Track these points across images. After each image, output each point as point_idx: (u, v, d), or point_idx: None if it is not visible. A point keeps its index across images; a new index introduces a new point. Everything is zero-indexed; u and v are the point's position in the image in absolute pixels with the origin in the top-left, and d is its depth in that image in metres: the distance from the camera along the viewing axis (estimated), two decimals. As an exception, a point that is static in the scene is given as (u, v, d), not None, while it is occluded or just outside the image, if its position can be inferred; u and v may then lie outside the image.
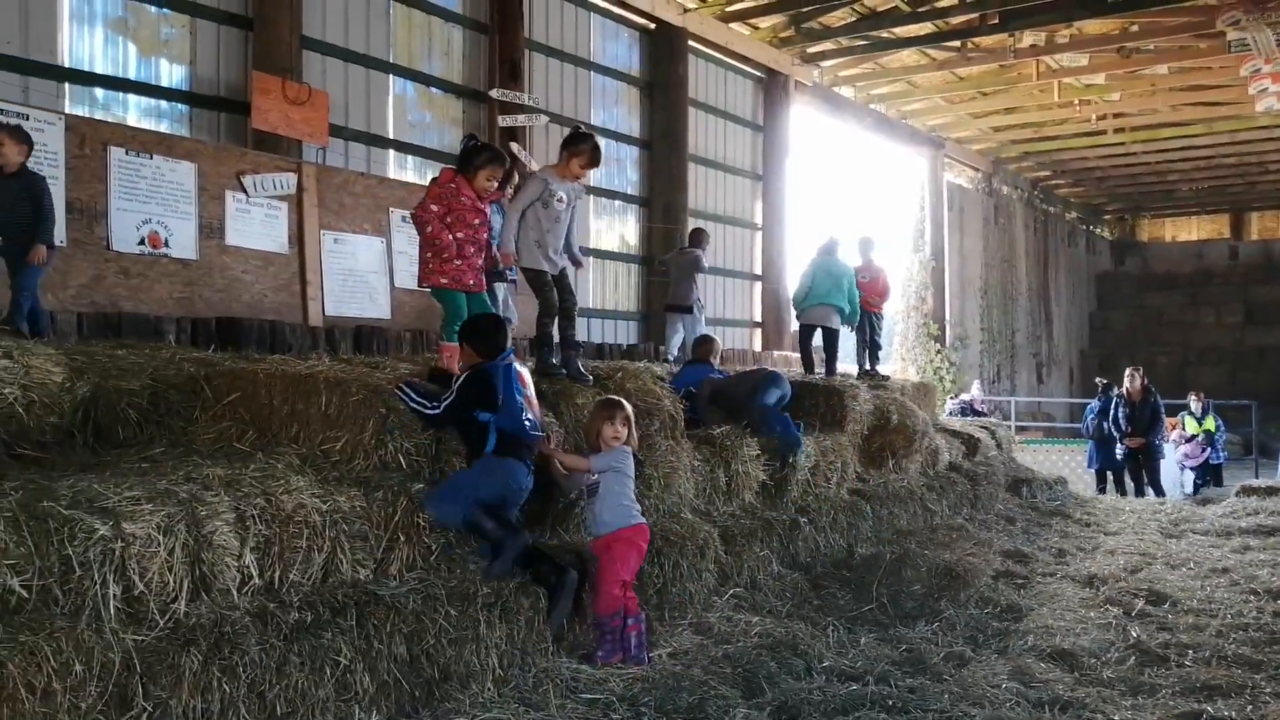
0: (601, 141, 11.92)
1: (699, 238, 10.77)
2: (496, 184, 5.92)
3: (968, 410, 15.28)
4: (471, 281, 5.80)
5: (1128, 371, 13.15)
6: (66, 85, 7.35)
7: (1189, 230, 30.53)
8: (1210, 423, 14.65)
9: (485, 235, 5.91)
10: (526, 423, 4.77)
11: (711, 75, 13.97)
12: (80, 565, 3.25)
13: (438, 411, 4.64)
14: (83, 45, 7.46)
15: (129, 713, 3.18)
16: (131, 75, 7.75)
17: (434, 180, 5.98)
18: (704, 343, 8.05)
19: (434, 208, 5.63)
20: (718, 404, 7.15)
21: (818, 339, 9.70)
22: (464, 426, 4.71)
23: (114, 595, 3.29)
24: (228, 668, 3.40)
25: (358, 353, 7.25)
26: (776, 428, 6.97)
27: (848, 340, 10.50)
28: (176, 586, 3.47)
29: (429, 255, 5.78)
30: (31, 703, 2.93)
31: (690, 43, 13.00)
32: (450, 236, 5.61)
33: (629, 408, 5.04)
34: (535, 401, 5.20)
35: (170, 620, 3.41)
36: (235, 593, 3.68)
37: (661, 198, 12.73)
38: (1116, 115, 19.43)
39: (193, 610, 3.50)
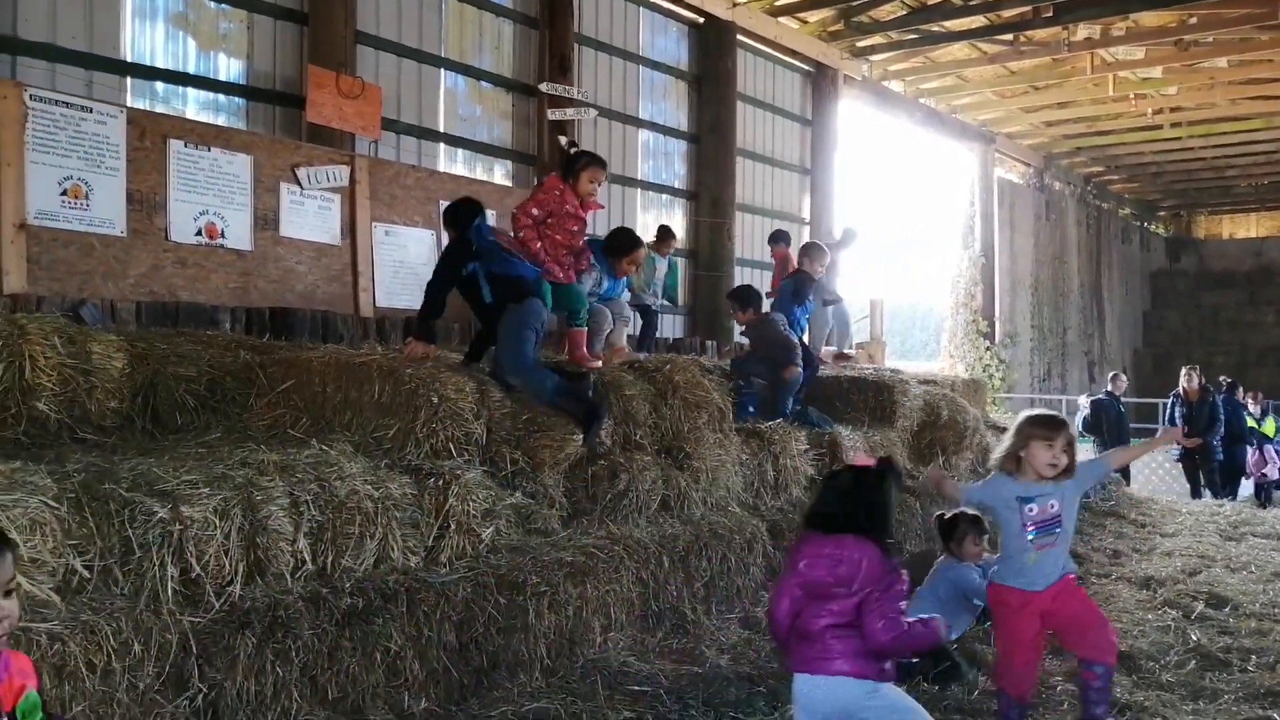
0: (649, 135, 12.07)
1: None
2: (598, 186, 6.08)
3: (1109, 409, 13.01)
4: (561, 275, 5.92)
5: (1184, 371, 12.84)
6: (128, 79, 7.48)
7: (1247, 227, 29.74)
8: (1270, 425, 14.25)
9: (581, 243, 6.06)
10: (515, 260, 5.37)
11: (760, 69, 13.88)
12: (140, 547, 3.31)
13: (432, 279, 5.42)
14: (144, 40, 7.59)
15: (185, 693, 3.23)
16: (191, 69, 7.86)
17: (539, 185, 6.15)
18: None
19: (535, 211, 5.89)
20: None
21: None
22: (466, 292, 5.37)
23: (172, 577, 3.35)
24: (281, 651, 3.44)
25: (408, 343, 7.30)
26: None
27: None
28: (232, 570, 3.53)
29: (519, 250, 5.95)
30: (91, 681, 2.99)
31: (739, 37, 12.91)
32: (539, 245, 5.76)
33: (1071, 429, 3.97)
34: (526, 242, 5.77)
35: (226, 603, 3.46)
36: (289, 577, 3.73)
37: (709, 191, 12.68)
38: (1173, 109, 18.97)
39: (247, 593, 3.55)
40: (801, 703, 3.06)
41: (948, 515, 5.09)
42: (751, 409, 7.23)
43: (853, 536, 3.03)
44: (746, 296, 7.97)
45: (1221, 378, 14.20)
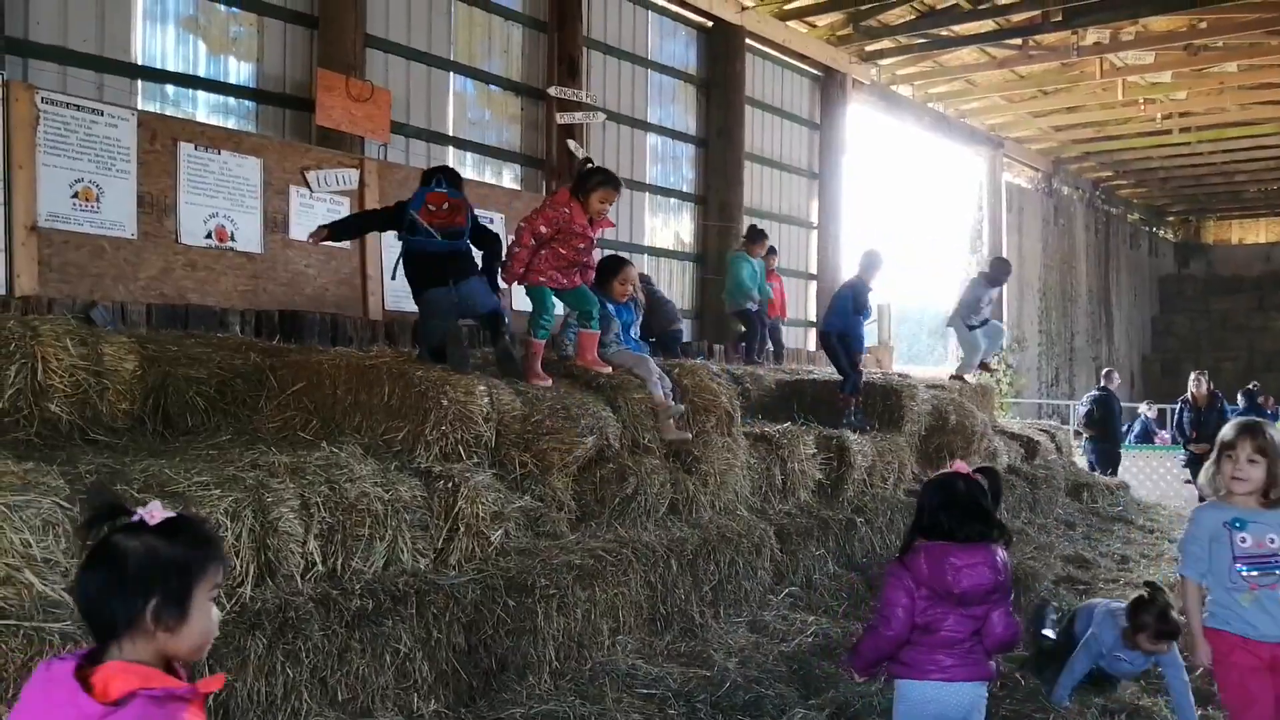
0: (658, 139, 12.08)
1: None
2: (609, 207, 5.98)
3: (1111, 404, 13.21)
4: (565, 281, 5.87)
5: (1193, 376, 12.81)
6: (139, 82, 7.52)
7: (1256, 232, 29.64)
8: None
9: (588, 259, 5.98)
10: (428, 240, 5.39)
11: (768, 73, 13.90)
12: (152, 548, 3.32)
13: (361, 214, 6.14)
14: (155, 43, 7.63)
15: (196, 693, 3.24)
16: (201, 73, 7.90)
17: (550, 196, 6.09)
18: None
19: (543, 229, 5.75)
20: None
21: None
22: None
23: (184, 578, 3.35)
24: (291, 652, 3.45)
25: (416, 347, 7.31)
26: None
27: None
28: (243, 571, 3.54)
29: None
30: (104, 681, 3.00)
31: (747, 41, 12.93)
32: (523, 269, 5.74)
33: None
34: (455, 217, 5.54)
35: (236, 604, 3.47)
36: (299, 579, 3.74)
37: (717, 195, 12.69)
38: (1182, 114, 18.95)
39: (258, 595, 3.56)
40: (931, 709, 3.12)
41: (1147, 595, 4.31)
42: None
43: (987, 543, 3.12)
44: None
45: (1253, 384, 14.11)
